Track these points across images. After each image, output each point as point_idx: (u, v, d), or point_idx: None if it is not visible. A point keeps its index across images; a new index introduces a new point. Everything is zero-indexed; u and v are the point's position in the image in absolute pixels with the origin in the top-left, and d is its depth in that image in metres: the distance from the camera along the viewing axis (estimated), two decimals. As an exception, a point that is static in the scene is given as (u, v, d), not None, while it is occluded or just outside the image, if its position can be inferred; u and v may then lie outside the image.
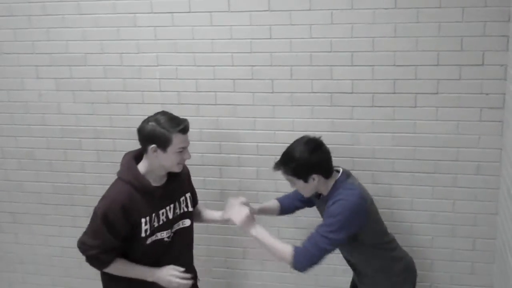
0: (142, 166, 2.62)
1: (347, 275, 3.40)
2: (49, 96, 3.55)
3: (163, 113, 2.61)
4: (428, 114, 3.06)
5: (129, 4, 3.27)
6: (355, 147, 3.20)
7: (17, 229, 3.90)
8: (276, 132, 3.29)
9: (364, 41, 3.03)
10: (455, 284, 3.29)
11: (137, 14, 3.28)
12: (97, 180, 3.62)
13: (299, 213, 3.06)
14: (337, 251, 3.38)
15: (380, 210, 3.23)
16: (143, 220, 2.56)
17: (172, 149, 2.52)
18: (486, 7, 2.85)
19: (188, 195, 2.82)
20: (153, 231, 2.62)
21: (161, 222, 2.64)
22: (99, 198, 3.61)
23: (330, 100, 3.17)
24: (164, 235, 2.66)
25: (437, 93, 3.02)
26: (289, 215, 3.07)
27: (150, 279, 2.62)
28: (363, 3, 2.98)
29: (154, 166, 2.59)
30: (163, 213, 2.65)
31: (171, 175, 2.69)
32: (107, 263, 2.59)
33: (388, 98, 3.09)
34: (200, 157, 3.42)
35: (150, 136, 2.52)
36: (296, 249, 2.48)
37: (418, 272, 3.29)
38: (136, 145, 3.45)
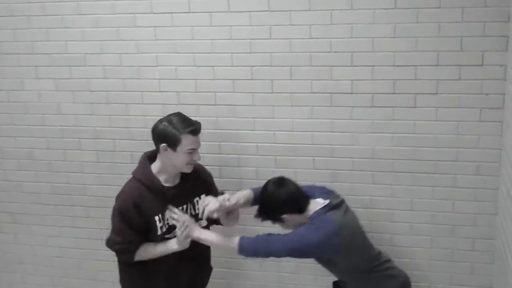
0: (155, 166, 2.73)
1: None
2: (48, 97, 3.55)
3: (177, 114, 2.71)
4: (427, 114, 3.06)
5: (129, 5, 3.27)
6: (354, 148, 3.20)
7: (16, 230, 3.90)
8: (276, 132, 3.29)
9: (363, 41, 3.03)
10: (454, 284, 3.29)
11: (136, 15, 3.28)
12: (97, 181, 3.62)
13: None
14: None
15: (379, 211, 3.25)
16: (156, 218, 2.69)
17: (182, 149, 2.62)
18: (486, 7, 2.84)
19: (202, 196, 2.84)
20: (169, 229, 2.74)
21: (170, 223, 2.75)
22: (98, 199, 3.65)
23: (329, 101, 3.16)
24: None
25: (436, 94, 3.02)
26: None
27: (174, 247, 2.73)
28: (362, 3, 2.98)
29: (166, 165, 2.70)
30: (175, 213, 2.73)
31: (184, 176, 2.78)
32: (132, 254, 2.74)
33: (388, 99, 3.08)
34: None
35: (162, 135, 2.63)
36: (243, 237, 2.63)
37: (418, 272, 3.30)
38: (134, 145, 3.47)
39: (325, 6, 3.03)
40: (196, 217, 2.80)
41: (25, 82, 3.56)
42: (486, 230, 3.17)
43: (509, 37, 2.85)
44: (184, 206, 2.80)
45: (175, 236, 2.73)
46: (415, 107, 3.06)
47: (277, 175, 3.29)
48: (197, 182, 2.85)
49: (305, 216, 2.63)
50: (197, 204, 2.83)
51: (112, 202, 3.67)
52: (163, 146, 2.63)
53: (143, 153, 2.84)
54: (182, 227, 2.66)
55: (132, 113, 3.45)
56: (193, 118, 3.30)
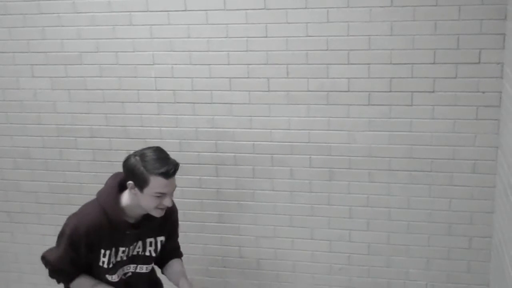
0: (125, 197, 2.45)
1: (343, 273, 3.41)
2: (44, 95, 3.54)
3: (155, 149, 2.41)
4: (424, 112, 3.06)
5: (125, 3, 3.26)
6: (351, 146, 3.20)
7: (13, 228, 3.89)
8: (272, 130, 3.28)
9: (360, 39, 3.03)
10: (451, 282, 3.29)
11: (132, 13, 3.27)
12: (93, 179, 3.61)
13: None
14: (336, 249, 3.39)
15: (376, 209, 3.25)
16: (102, 251, 2.46)
17: (149, 191, 2.33)
18: (483, 5, 2.84)
19: (160, 239, 2.61)
20: (114, 266, 2.51)
21: (119, 259, 2.52)
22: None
23: (326, 99, 3.16)
24: (121, 272, 2.57)
25: (433, 92, 3.02)
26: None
27: None
28: (359, 1, 2.97)
29: (133, 202, 2.42)
30: (124, 251, 2.51)
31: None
32: (65, 283, 2.55)
33: (385, 97, 3.08)
34: (196, 156, 3.41)
35: (130, 171, 2.36)
36: None
37: (415, 270, 3.31)
38: (131, 143, 3.47)
39: (321, 4, 3.02)
40: (143, 260, 2.59)
41: (21, 80, 3.55)
42: (483, 228, 3.17)
43: (506, 35, 2.84)
44: (134, 244, 2.53)
45: (119, 280, 2.55)
46: (411, 105, 3.06)
47: (274, 173, 3.32)
48: (162, 224, 2.56)
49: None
50: (149, 245, 2.57)
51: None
52: (129, 183, 2.36)
53: (113, 173, 2.58)
54: None
55: (128, 112, 3.44)
56: (189, 117, 3.33)
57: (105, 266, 2.48)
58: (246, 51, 3.18)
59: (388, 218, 3.26)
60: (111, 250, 2.46)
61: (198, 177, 3.45)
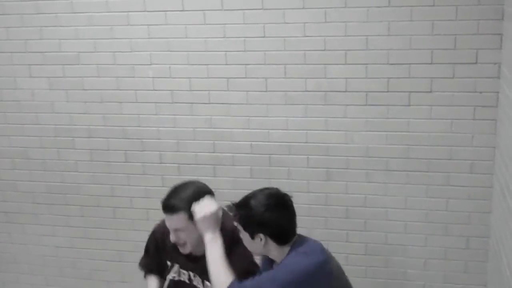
0: None
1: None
2: (42, 95, 3.54)
3: (187, 182, 2.39)
4: (421, 112, 3.06)
5: (123, 3, 3.26)
6: (349, 146, 3.20)
7: (10, 229, 3.88)
8: (270, 131, 3.28)
9: (357, 40, 3.03)
10: (448, 282, 3.29)
11: (130, 13, 3.27)
12: (91, 179, 3.61)
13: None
14: (333, 249, 3.38)
15: (373, 209, 3.25)
16: (168, 262, 2.50)
17: None
18: (480, 5, 2.84)
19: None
20: (177, 283, 2.50)
21: (182, 279, 2.49)
22: (92, 198, 3.64)
23: (324, 99, 3.16)
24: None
25: (430, 92, 3.02)
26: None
27: None
28: (356, 1, 2.98)
29: None
30: (185, 274, 2.48)
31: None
32: (144, 273, 2.63)
33: (382, 97, 3.08)
34: (193, 156, 3.41)
35: None
36: (234, 283, 2.12)
37: (412, 270, 3.30)
38: (128, 144, 3.48)
39: (319, 4, 3.03)
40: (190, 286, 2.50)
41: (18, 80, 3.54)
42: (480, 228, 3.17)
43: (503, 35, 2.85)
44: (194, 275, 2.45)
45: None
46: (409, 105, 3.06)
47: (271, 173, 3.31)
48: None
49: (281, 249, 2.18)
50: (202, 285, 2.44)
51: (106, 200, 3.68)
52: None
53: None
54: None
55: (126, 112, 3.44)
56: (187, 117, 3.33)
57: (171, 277, 2.49)
58: (244, 51, 3.18)
59: (386, 218, 3.26)
60: (173, 266, 2.48)
61: (195, 177, 3.43)
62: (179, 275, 2.48)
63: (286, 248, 2.18)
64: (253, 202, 2.17)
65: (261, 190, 2.23)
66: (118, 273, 3.76)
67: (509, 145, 2.61)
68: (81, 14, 3.33)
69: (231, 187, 3.41)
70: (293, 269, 2.08)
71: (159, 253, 2.53)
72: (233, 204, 2.22)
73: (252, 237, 2.17)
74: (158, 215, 3.48)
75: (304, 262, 2.08)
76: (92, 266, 3.81)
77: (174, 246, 2.37)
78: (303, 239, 2.21)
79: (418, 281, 3.33)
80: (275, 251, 2.19)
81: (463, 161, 3.08)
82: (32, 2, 3.37)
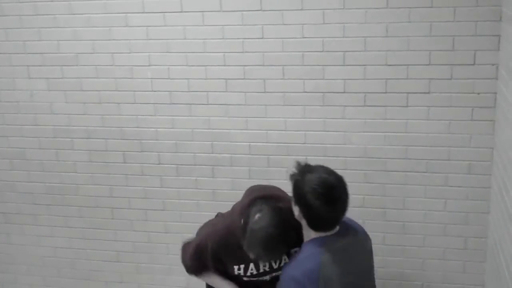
0: None
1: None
2: (40, 96, 3.54)
3: None
4: (419, 113, 3.07)
5: (121, 4, 3.26)
6: (347, 147, 3.20)
7: (9, 230, 3.88)
8: (268, 131, 3.28)
9: (356, 41, 3.03)
10: (447, 283, 3.30)
11: (128, 14, 3.27)
12: (89, 180, 3.61)
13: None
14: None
15: (372, 209, 3.25)
16: (235, 267, 2.46)
17: None
18: (478, 7, 2.85)
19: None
20: (258, 275, 2.48)
21: (261, 271, 2.47)
22: (91, 198, 3.64)
23: (322, 100, 3.17)
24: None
25: (428, 93, 3.03)
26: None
27: None
28: (355, 2, 2.98)
29: None
30: (265, 264, 2.45)
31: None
32: (194, 275, 2.61)
33: (380, 98, 3.09)
34: (192, 156, 3.42)
35: None
36: None
37: (410, 271, 3.31)
38: (127, 145, 3.47)
39: (317, 6, 3.03)
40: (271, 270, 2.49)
41: (17, 81, 3.54)
42: (478, 229, 3.18)
43: (500, 36, 2.86)
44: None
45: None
46: (407, 106, 3.07)
47: (270, 174, 3.31)
48: None
49: (308, 234, 2.23)
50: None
51: (104, 201, 3.67)
52: None
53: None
54: None
55: (124, 113, 3.44)
56: (185, 118, 3.34)
57: (243, 275, 2.47)
58: (242, 52, 3.19)
59: (384, 219, 3.27)
60: (244, 265, 2.44)
61: (194, 178, 3.45)
62: (256, 269, 2.46)
63: (313, 234, 2.20)
64: (308, 176, 2.17)
65: (321, 168, 2.22)
66: (117, 274, 3.75)
67: (507, 146, 2.62)
68: (80, 15, 3.33)
69: (229, 188, 3.41)
70: (286, 275, 2.17)
71: (217, 262, 2.48)
72: (298, 164, 2.25)
73: (294, 203, 2.22)
74: (156, 216, 3.51)
75: (292, 268, 2.17)
76: (91, 267, 3.81)
77: (241, 249, 2.32)
78: (323, 240, 2.19)
79: (416, 281, 3.33)
80: (305, 229, 2.24)
81: (461, 162, 3.09)
82: (31, 3, 3.37)
